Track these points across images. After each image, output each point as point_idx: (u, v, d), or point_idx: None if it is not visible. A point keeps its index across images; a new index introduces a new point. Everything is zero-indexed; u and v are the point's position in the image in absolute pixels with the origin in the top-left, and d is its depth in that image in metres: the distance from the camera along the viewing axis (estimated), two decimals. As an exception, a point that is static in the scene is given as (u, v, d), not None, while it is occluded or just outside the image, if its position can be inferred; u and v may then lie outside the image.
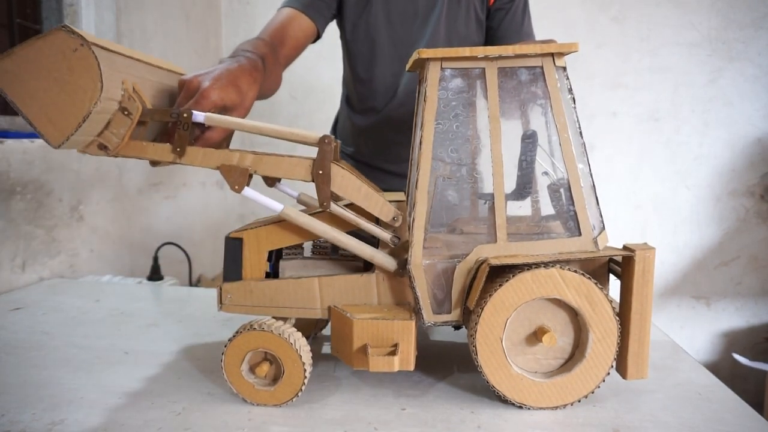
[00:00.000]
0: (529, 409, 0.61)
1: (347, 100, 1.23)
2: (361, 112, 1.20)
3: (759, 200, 2.07)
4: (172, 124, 0.62)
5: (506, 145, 0.60)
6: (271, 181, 0.66)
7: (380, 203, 0.63)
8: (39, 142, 1.24)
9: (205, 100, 0.65)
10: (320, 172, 0.61)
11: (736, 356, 1.88)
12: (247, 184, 0.62)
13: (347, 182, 0.62)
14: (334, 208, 0.62)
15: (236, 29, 2.23)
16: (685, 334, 2.14)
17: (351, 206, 0.64)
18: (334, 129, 1.32)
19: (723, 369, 2.11)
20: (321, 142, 0.60)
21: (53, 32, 0.54)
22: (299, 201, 0.71)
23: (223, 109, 0.68)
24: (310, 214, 0.64)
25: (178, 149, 0.61)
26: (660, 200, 2.11)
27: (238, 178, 0.61)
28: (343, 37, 1.16)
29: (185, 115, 0.60)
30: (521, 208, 0.65)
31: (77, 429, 0.57)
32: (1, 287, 1.12)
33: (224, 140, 0.69)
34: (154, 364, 0.73)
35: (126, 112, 0.58)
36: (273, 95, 0.98)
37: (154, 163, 0.64)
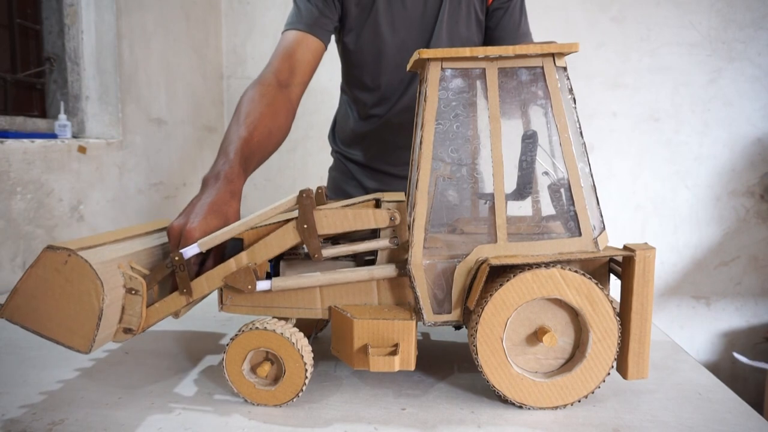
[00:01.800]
0: (529, 409, 0.61)
1: (350, 106, 1.23)
2: (366, 118, 1.20)
3: (759, 200, 2.07)
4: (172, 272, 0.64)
5: (506, 145, 0.60)
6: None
7: (371, 216, 0.63)
8: (39, 141, 1.24)
9: (189, 241, 0.66)
10: (305, 226, 0.62)
11: (737, 355, 1.89)
12: (258, 278, 0.63)
13: (333, 219, 0.62)
14: (327, 253, 0.63)
15: (236, 29, 2.23)
16: (685, 334, 2.13)
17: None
18: (333, 131, 1.32)
19: (723, 369, 2.11)
20: (300, 199, 0.62)
21: (40, 256, 0.57)
22: None
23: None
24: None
25: (185, 290, 0.63)
26: (660, 200, 2.11)
27: (245, 279, 0.63)
28: (344, 46, 1.15)
29: (177, 258, 0.63)
30: (521, 209, 0.65)
31: (77, 429, 0.57)
32: (1, 287, 1.12)
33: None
34: (154, 364, 0.73)
35: (133, 292, 0.61)
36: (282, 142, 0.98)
37: (176, 315, 0.66)
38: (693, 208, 2.10)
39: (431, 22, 1.09)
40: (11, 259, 1.15)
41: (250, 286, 0.62)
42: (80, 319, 0.57)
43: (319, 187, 0.64)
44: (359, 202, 0.66)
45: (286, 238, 0.63)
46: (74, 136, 1.49)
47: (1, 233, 1.13)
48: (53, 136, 1.40)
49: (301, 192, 0.62)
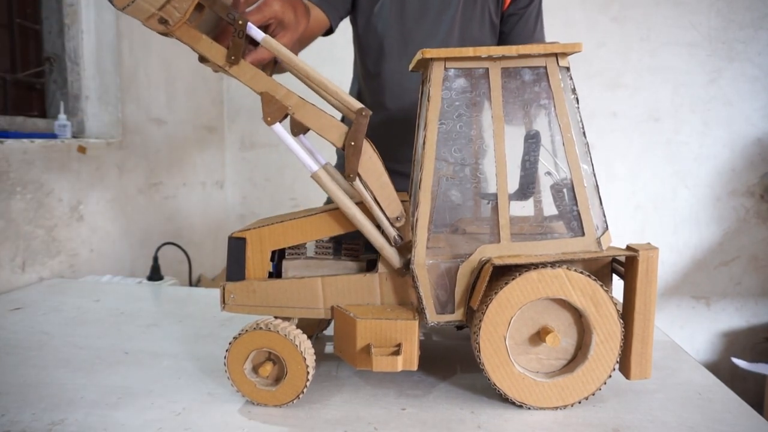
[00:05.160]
0: (529, 408, 0.61)
1: (358, 95, 1.24)
2: (371, 108, 1.20)
3: (759, 200, 2.07)
4: (221, 31, 0.62)
5: (509, 145, 0.60)
6: (296, 130, 0.65)
7: (392, 198, 0.62)
8: (39, 141, 1.24)
9: (267, 7, 0.65)
10: (353, 143, 0.61)
11: (735, 360, 1.88)
12: (280, 121, 0.62)
13: (372, 164, 0.62)
14: (358, 184, 0.62)
15: (236, 29, 2.23)
16: (685, 334, 2.14)
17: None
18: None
19: (723, 369, 2.11)
20: (358, 114, 0.61)
21: None
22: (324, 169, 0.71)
23: (279, 25, 0.69)
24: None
25: (232, 57, 0.60)
26: (660, 200, 2.11)
27: (275, 111, 0.61)
28: (355, 31, 1.17)
29: (240, 21, 0.60)
30: (524, 209, 0.65)
31: (77, 429, 0.57)
32: (1, 287, 1.11)
33: (271, 63, 0.69)
34: (154, 364, 0.73)
35: None
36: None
37: (202, 60, 0.64)
38: (693, 208, 2.10)
39: (442, 19, 1.09)
40: (11, 259, 1.15)
41: (270, 119, 0.61)
42: None
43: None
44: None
45: (331, 131, 0.61)
46: (74, 136, 1.48)
47: (1, 233, 1.12)
48: (53, 136, 1.40)
49: (362, 108, 0.60)
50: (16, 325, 0.89)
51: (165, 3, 0.58)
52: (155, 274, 1.43)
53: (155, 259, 1.44)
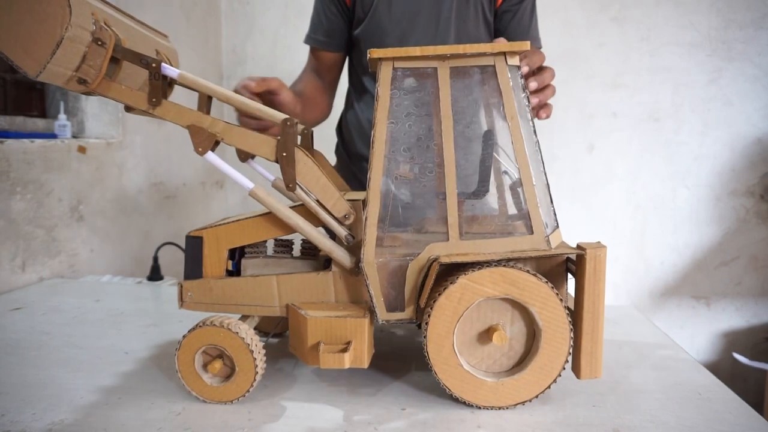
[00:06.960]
0: (479, 408, 0.61)
1: (358, 95, 1.24)
2: (369, 103, 1.21)
3: (759, 200, 2.07)
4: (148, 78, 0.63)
5: (465, 143, 0.60)
6: (243, 156, 0.66)
7: (335, 198, 0.63)
8: (39, 141, 1.24)
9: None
10: (284, 154, 0.61)
11: (736, 356, 1.88)
12: (212, 150, 0.63)
13: (307, 170, 0.62)
14: (300, 192, 0.62)
15: (236, 29, 2.23)
16: (685, 334, 2.13)
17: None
18: (339, 129, 1.33)
19: (723, 369, 2.11)
20: (283, 124, 0.61)
21: None
22: (274, 186, 0.70)
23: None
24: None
25: (153, 100, 0.61)
26: (660, 200, 2.10)
27: (204, 141, 0.62)
28: (355, 36, 1.17)
29: (154, 64, 0.61)
30: (474, 207, 0.65)
31: (77, 429, 0.57)
32: (1, 287, 1.12)
33: (205, 99, 0.70)
34: (154, 364, 0.73)
35: (100, 42, 0.58)
36: (323, 120, 1.22)
37: (128, 109, 0.65)
38: (693, 208, 2.10)
39: (436, 18, 1.10)
40: (11, 259, 1.15)
41: (201, 149, 0.62)
42: (38, 42, 0.54)
43: (308, 129, 0.64)
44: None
45: (261, 147, 0.62)
46: (74, 136, 1.49)
47: (1, 233, 1.12)
48: (53, 136, 1.40)
49: (286, 120, 0.61)
50: (16, 325, 0.89)
51: (80, 64, 0.57)
52: (155, 274, 1.43)
53: (155, 259, 1.44)
